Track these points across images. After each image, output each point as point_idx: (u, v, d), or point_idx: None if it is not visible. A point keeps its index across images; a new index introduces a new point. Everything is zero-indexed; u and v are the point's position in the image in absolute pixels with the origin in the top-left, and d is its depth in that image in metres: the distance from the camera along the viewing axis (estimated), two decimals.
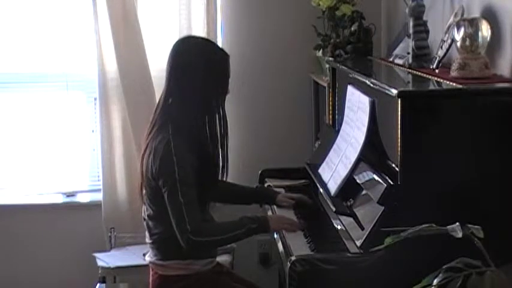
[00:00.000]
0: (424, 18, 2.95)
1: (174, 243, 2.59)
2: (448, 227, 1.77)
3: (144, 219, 2.75)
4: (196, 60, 2.66)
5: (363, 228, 2.36)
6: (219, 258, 2.88)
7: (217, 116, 2.68)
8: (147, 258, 2.77)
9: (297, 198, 3.02)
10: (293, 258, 2.32)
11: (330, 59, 3.52)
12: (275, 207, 3.01)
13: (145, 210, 2.74)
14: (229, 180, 2.85)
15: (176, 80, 2.67)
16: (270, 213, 3.00)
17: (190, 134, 2.63)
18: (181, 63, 2.67)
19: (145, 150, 2.68)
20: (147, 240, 2.75)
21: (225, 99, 2.72)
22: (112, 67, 3.85)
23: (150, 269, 2.76)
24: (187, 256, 2.65)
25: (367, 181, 2.51)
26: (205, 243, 2.59)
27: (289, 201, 2.99)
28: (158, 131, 2.65)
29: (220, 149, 2.71)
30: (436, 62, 2.78)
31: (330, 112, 3.41)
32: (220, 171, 2.73)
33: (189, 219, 2.52)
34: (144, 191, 2.71)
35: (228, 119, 2.71)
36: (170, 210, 2.56)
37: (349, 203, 2.58)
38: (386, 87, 2.45)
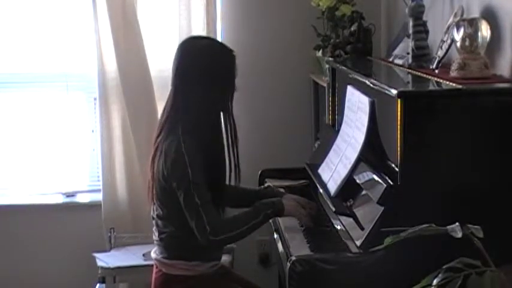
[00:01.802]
0: (424, 18, 2.95)
1: (182, 243, 2.59)
2: (447, 227, 1.77)
3: (153, 218, 2.74)
4: (201, 61, 2.65)
5: (362, 229, 2.36)
6: None
7: (226, 116, 2.68)
8: (153, 255, 2.77)
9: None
10: (293, 258, 2.31)
11: (330, 59, 3.52)
12: None
13: (154, 210, 2.73)
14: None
15: (182, 81, 2.65)
16: None
17: (200, 135, 2.63)
18: (187, 64, 2.66)
19: (155, 153, 2.66)
20: (155, 237, 2.74)
21: (233, 98, 2.70)
22: (112, 67, 3.85)
23: (154, 266, 2.77)
24: (193, 258, 2.65)
25: (366, 181, 2.51)
26: (225, 240, 2.59)
27: None
28: (168, 133, 2.64)
29: (231, 151, 2.71)
30: (436, 62, 2.77)
31: (330, 112, 3.41)
32: (233, 175, 2.73)
33: (208, 219, 2.51)
34: (154, 192, 2.70)
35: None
36: (187, 212, 2.55)
37: (349, 203, 2.58)
38: (386, 87, 2.45)
